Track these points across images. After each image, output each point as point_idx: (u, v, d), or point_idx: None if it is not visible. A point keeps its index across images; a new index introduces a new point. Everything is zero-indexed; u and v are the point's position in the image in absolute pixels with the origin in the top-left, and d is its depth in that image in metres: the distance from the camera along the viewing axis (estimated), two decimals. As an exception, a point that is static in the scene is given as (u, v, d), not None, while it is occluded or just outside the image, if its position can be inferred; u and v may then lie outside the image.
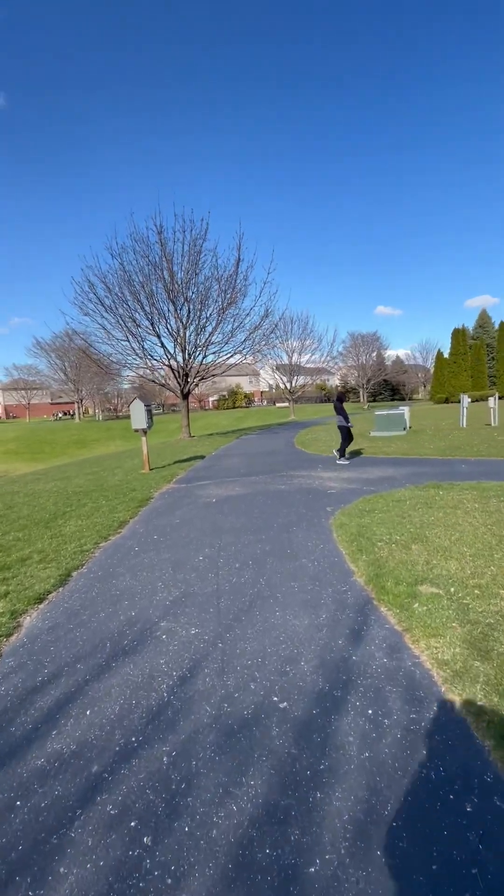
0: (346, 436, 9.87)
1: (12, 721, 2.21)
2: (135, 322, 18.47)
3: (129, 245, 18.43)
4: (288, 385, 41.58)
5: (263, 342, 21.74)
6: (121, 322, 18.31)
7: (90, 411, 68.77)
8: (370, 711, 2.10)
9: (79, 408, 59.78)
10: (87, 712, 2.24)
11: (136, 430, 10.39)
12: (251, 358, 23.68)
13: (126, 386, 52.14)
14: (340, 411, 9.89)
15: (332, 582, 3.59)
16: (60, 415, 68.70)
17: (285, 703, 2.20)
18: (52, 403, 76.76)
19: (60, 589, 3.89)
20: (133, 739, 2.04)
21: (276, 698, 2.24)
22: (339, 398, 10.61)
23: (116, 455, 19.11)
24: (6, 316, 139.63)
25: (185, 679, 2.45)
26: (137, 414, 10.09)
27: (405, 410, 15.80)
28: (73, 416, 62.59)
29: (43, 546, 5.05)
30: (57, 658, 2.77)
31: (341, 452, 9.79)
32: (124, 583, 3.89)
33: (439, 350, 52.77)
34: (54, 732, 2.12)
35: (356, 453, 10.74)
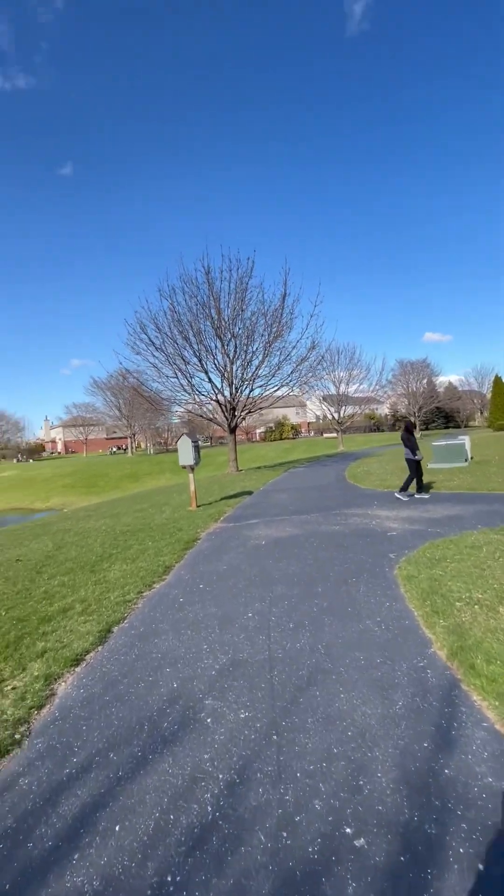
0: (415, 469, 9.07)
1: (30, 833, 1.86)
2: (183, 359, 18.95)
3: (178, 286, 19.19)
4: (336, 415, 40.92)
5: (310, 374, 21.54)
6: (170, 360, 18.85)
7: (142, 445, 71.20)
8: (481, 866, 1.56)
9: (131, 442, 62.09)
10: (117, 828, 1.85)
11: (184, 467, 10.28)
12: (298, 390, 23.50)
13: (176, 420, 53.65)
14: (408, 442, 9.03)
15: (406, 654, 3.02)
16: (115, 449, 71.66)
17: (362, 840, 1.70)
18: (107, 438, 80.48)
19: (99, 648, 3.59)
20: (169, 879, 1.61)
21: (349, 830, 1.74)
22: (407, 428, 9.59)
23: (166, 490, 19.25)
24: (68, 358, 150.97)
25: (234, 787, 2.01)
26: (184, 450, 10.01)
27: (465, 440, 14.74)
28: (126, 450, 65.06)
29: (86, 594, 4.84)
30: (89, 743, 2.42)
31: (405, 487, 9.00)
32: (166, 643, 3.53)
33: (497, 375, 50.16)
34: (76, 856, 1.74)
35: (426, 487, 9.78)
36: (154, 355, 18.83)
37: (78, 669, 3.28)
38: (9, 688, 3.06)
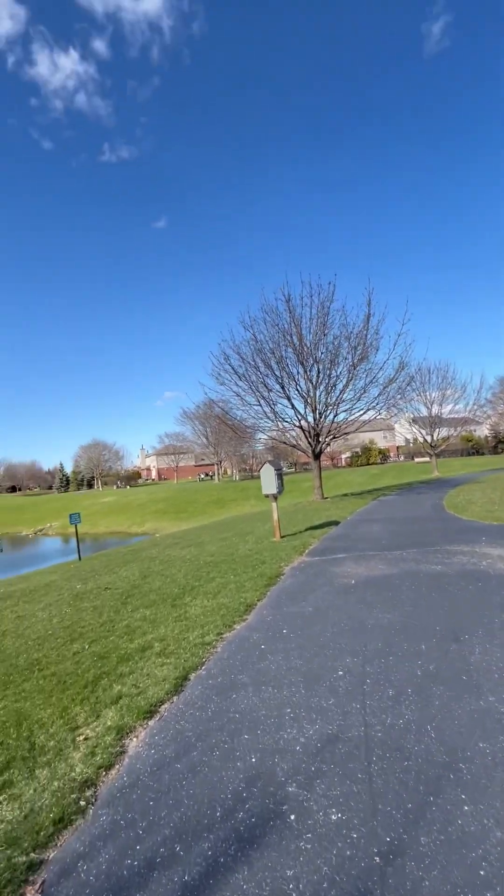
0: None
1: None
2: (266, 387, 19.03)
3: (259, 316, 19.52)
4: (428, 438, 38.19)
5: (399, 396, 20.34)
6: (253, 388, 19.05)
7: (228, 472, 73.06)
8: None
9: (218, 469, 63.99)
10: None
11: (267, 496, 10.01)
12: (385, 413, 22.30)
13: (260, 447, 54.34)
14: None
15: (552, 754, 2.30)
16: (202, 476, 74.42)
17: None
18: (195, 465, 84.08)
19: (175, 698, 3.32)
20: None
21: None
22: None
23: (249, 517, 19.15)
24: (161, 391, 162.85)
25: (325, 933, 1.54)
26: (267, 479, 9.76)
27: None
28: (213, 476, 67.18)
29: (166, 632, 4.66)
30: (155, 825, 2.10)
31: None
32: (245, 701, 3.14)
33: None
34: None
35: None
36: (237, 384, 19.19)
37: (151, 723, 3.02)
38: (81, 738, 2.90)
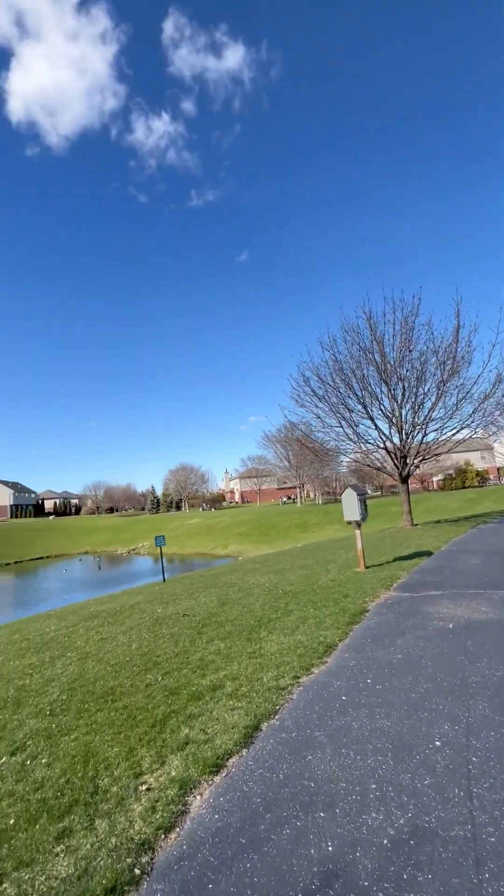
0: None
1: None
2: (347, 407, 18.42)
3: (339, 336, 19.12)
4: (536, 458, 33.99)
5: (498, 412, 18.40)
6: (333, 409, 18.55)
7: (311, 495, 71.88)
8: None
9: (300, 492, 63.22)
10: None
11: (349, 522, 9.43)
12: (482, 431, 20.30)
13: (343, 469, 52.76)
14: None
15: None
16: (285, 499, 74.07)
17: None
18: (278, 489, 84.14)
19: (244, 752, 3.01)
20: None
21: None
22: None
23: (332, 544, 18.35)
24: (245, 416, 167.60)
25: None
26: (349, 505, 9.20)
27: None
28: (295, 500, 66.51)
29: (239, 669, 4.39)
30: (211, 919, 1.80)
31: None
32: (322, 766, 2.74)
33: None
34: None
35: None
36: (318, 406, 18.84)
37: (217, 779, 2.75)
38: (144, 787, 2.71)
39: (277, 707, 3.59)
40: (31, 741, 3.49)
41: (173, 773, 2.79)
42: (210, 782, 2.72)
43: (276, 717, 3.45)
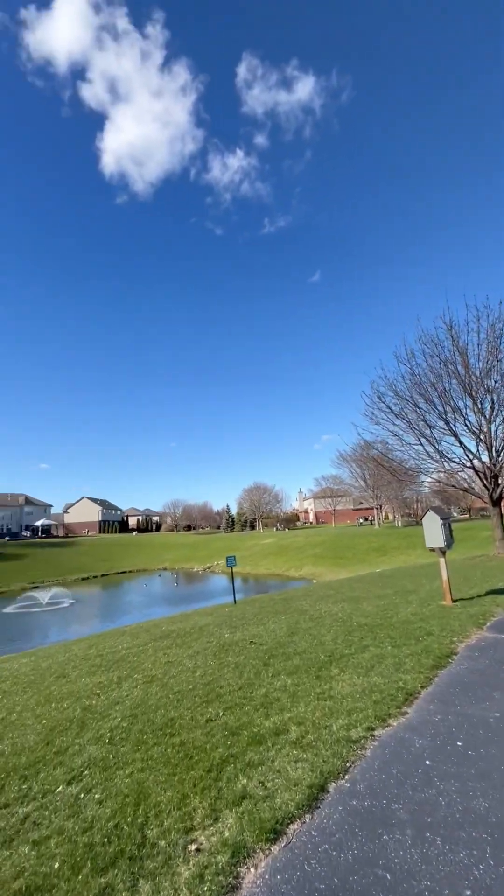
0: None
1: None
2: (427, 424, 17.23)
3: (416, 349, 18.09)
4: None
5: None
6: (412, 426, 17.45)
7: (390, 517, 68.28)
8: None
9: (378, 513, 60.35)
10: None
11: (432, 549, 8.55)
12: None
13: (426, 490, 49.44)
14: None
15: None
16: (361, 521, 71.15)
17: None
18: (354, 509, 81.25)
19: (307, 818, 2.62)
20: None
21: None
22: None
23: (413, 571, 16.98)
24: (319, 435, 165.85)
25: None
26: (432, 530, 8.36)
27: None
28: (372, 521, 63.57)
29: (305, 712, 3.98)
30: None
31: None
32: (401, 853, 2.27)
33: None
34: None
35: None
36: (394, 423, 17.87)
37: (275, 850, 2.39)
38: (193, 847, 2.43)
39: (348, 764, 3.14)
40: (88, 771, 3.39)
41: (226, 835, 2.49)
42: (267, 852, 2.37)
43: (346, 777, 3.00)
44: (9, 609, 27.45)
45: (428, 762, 3.10)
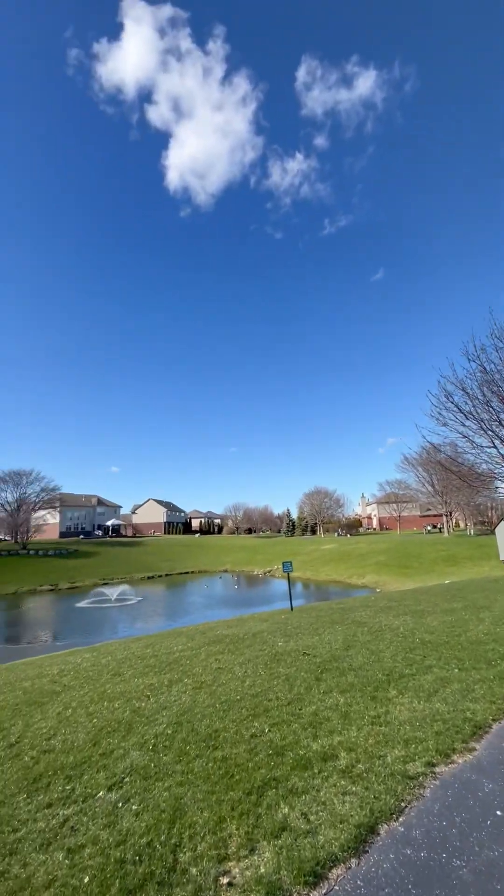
0: None
1: None
2: (501, 424, 15.82)
3: (488, 344, 16.70)
4: None
5: None
6: (484, 427, 16.12)
7: (461, 524, 64.02)
8: None
9: (447, 521, 56.84)
10: None
11: (507, 563, 7.71)
12: None
13: (502, 496, 45.65)
14: None
15: None
16: (429, 528, 67.39)
17: None
18: (420, 516, 77.23)
19: (352, 862, 2.34)
20: None
21: None
22: None
23: (487, 584, 15.62)
24: (384, 438, 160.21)
25: None
26: (507, 540, 7.53)
27: None
28: (441, 529, 59.97)
29: (358, 737, 3.67)
30: None
31: None
32: (463, 925, 1.93)
33: None
34: None
35: None
36: (464, 424, 16.59)
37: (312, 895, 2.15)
38: (225, 880, 2.26)
39: (403, 804, 2.80)
40: (129, 778, 3.35)
41: (262, 871, 2.29)
42: (304, 898, 2.14)
43: (401, 819, 2.68)
44: (82, 604, 29.20)
45: (499, 812, 2.68)
